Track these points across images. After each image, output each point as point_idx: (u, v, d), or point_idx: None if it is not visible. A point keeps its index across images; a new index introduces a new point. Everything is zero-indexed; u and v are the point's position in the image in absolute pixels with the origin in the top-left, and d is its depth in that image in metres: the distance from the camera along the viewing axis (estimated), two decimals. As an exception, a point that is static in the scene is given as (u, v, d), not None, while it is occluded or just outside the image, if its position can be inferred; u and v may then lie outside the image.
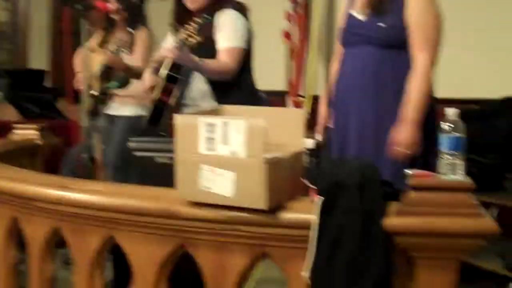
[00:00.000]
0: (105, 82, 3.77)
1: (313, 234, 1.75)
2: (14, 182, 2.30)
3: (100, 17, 4.04)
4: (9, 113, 5.68)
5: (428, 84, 2.54)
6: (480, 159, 3.81)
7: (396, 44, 2.57)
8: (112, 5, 3.87)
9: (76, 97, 4.05)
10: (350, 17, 2.73)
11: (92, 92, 3.76)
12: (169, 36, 3.23)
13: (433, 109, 2.60)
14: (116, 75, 3.75)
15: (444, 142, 1.77)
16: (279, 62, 5.32)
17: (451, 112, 1.79)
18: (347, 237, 1.73)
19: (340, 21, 2.83)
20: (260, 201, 1.79)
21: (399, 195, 1.78)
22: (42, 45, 7.08)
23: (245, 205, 1.82)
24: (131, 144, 2.75)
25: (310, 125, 2.44)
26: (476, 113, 4.09)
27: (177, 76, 2.97)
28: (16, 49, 7.12)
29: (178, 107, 3.04)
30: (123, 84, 3.71)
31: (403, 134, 2.48)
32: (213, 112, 2.25)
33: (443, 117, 1.81)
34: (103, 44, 4.00)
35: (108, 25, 4.04)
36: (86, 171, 3.67)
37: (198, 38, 2.86)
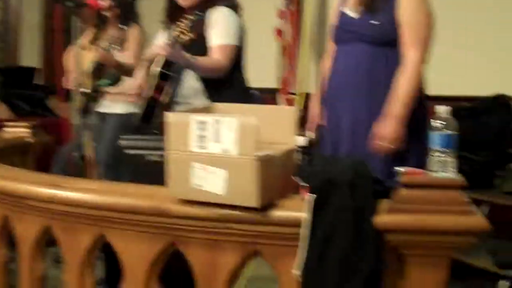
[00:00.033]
0: (97, 80, 3.76)
1: (305, 232, 1.75)
2: (5, 181, 2.29)
3: (92, 15, 4.03)
4: (0, 111, 5.66)
5: (417, 81, 2.54)
6: (471, 156, 3.82)
7: (389, 42, 2.58)
8: (104, 2, 3.85)
9: (67, 95, 4.03)
10: (343, 15, 2.73)
11: (84, 89, 3.75)
12: (161, 33, 3.22)
13: (424, 106, 2.61)
14: (108, 73, 3.74)
15: (436, 139, 1.77)
16: (271, 60, 5.31)
17: (442, 109, 1.79)
18: (339, 234, 1.73)
19: (332, 18, 2.83)
20: (251, 199, 1.79)
21: (390, 193, 1.79)
22: (34, 43, 7.05)
23: (237, 203, 1.82)
24: (122, 142, 2.74)
25: (302, 123, 2.43)
26: (468, 110, 4.10)
27: (169, 73, 2.97)
28: (8, 47, 7.08)
29: (170, 105, 3.03)
30: (115, 81, 3.70)
31: (387, 129, 2.48)
32: (205, 110, 2.25)
33: (434, 115, 1.81)
34: (94, 41, 3.99)
35: (100, 22, 4.02)
36: (77, 169, 3.66)
37: (190, 35, 2.86)
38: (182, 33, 2.86)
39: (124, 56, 3.80)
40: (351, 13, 2.68)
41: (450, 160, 1.76)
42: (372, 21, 2.59)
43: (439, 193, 1.71)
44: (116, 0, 3.90)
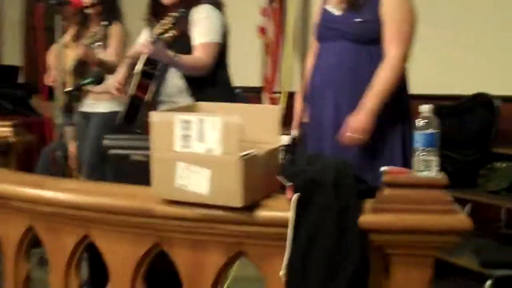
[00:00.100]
0: (79, 78, 3.74)
1: (289, 232, 1.75)
2: (-13, 181, 2.27)
3: (74, 12, 4.00)
4: (-18, 110, 5.61)
5: (397, 77, 2.55)
6: (453, 155, 3.84)
7: (373, 40, 2.58)
8: (86, 0, 3.83)
9: (50, 93, 4.00)
10: (325, 12, 2.73)
11: (67, 88, 3.72)
12: (144, 31, 3.20)
13: (405, 102, 2.62)
14: (91, 71, 3.72)
15: (419, 138, 1.77)
16: (254, 58, 5.31)
17: (425, 108, 1.79)
18: (323, 234, 1.73)
19: (315, 16, 2.83)
20: (236, 199, 1.79)
21: (374, 192, 1.79)
22: (15, 41, 6.99)
23: (221, 203, 1.81)
24: (106, 142, 2.73)
25: (286, 122, 2.44)
26: (449, 109, 4.11)
27: (153, 71, 2.95)
28: (-11, 44, 7.02)
29: (154, 104, 3.02)
30: (98, 80, 3.67)
31: (359, 121, 2.50)
32: (189, 109, 2.24)
33: (417, 114, 1.82)
34: (77, 39, 3.97)
35: (82, 19, 4.00)
36: (61, 168, 3.64)
37: (174, 33, 2.84)
38: (165, 30, 2.85)
39: (106, 54, 3.78)
40: (334, 10, 2.68)
41: (433, 159, 1.76)
42: (355, 19, 2.59)
43: (422, 192, 1.72)
44: (99, -3, 3.87)
